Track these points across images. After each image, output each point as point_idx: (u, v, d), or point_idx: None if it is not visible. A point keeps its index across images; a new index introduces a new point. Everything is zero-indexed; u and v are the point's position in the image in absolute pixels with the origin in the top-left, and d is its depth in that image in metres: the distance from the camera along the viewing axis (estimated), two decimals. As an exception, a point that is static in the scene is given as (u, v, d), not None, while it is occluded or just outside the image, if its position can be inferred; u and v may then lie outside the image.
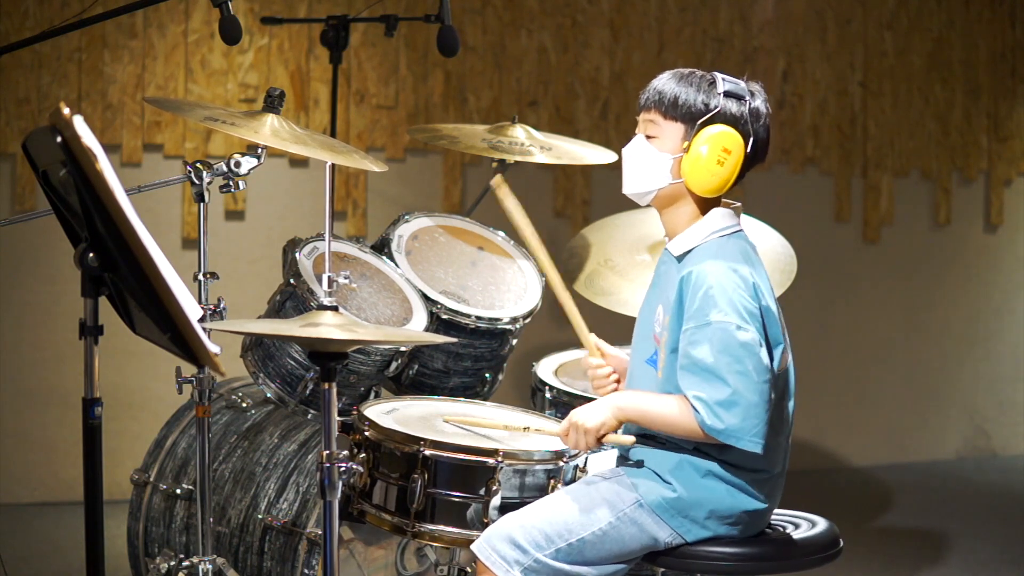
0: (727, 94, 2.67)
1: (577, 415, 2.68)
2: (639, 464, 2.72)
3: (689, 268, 2.64)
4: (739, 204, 2.77)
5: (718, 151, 2.65)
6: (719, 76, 2.70)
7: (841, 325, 6.27)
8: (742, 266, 2.63)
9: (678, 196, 2.72)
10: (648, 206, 2.80)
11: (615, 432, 2.69)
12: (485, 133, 3.88)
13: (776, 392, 2.66)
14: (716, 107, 2.66)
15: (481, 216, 3.88)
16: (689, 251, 2.70)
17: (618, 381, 2.90)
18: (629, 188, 2.76)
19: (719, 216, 2.71)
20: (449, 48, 3.88)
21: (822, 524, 2.85)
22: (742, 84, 2.71)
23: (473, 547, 2.65)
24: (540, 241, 2.98)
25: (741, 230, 2.74)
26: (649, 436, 2.72)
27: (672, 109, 2.68)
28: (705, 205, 2.72)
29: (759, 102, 2.71)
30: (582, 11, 5.74)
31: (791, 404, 2.73)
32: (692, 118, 2.67)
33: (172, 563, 3.23)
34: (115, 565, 3.73)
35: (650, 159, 2.71)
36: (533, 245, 2.99)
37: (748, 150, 2.68)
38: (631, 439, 2.71)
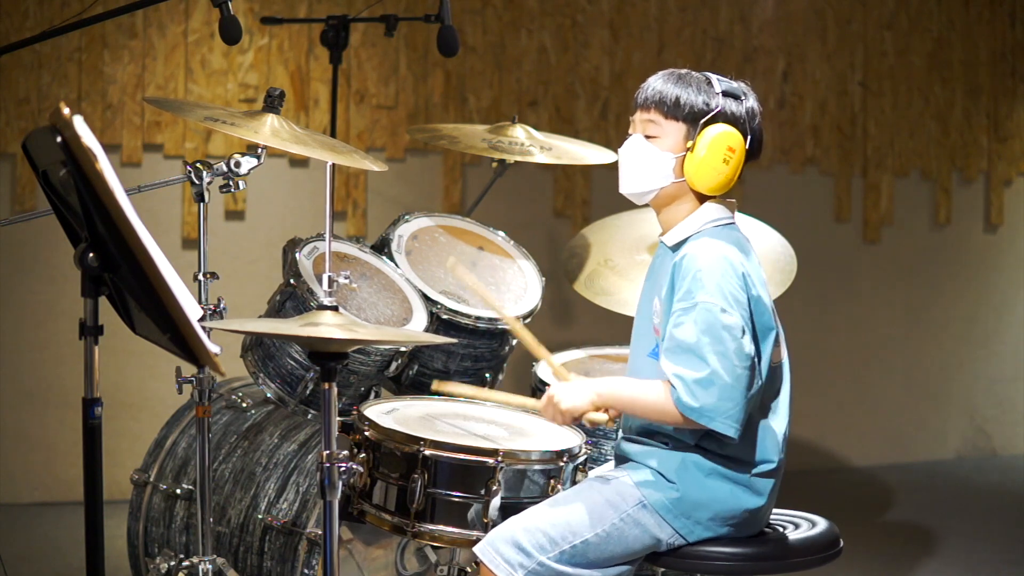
0: (725, 93, 2.69)
1: (556, 391, 2.70)
2: (641, 464, 2.72)
3: (682, 254, 2.66)
4: (733, 200, 2.78)
5: (723, 150, 2.66)
6: (713, 76, 2.73)
7: (841, 325, 6.27)
8: (733, 254, 2.65)
9: (679, 195, 2.73)
10: (645, 205, 2.81)
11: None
12: (485, 133, 3.88)
13: (774, 384, 2.67)
14: (717, 107, 2.68)
15: (481, 216, 3.88)
16: (683, 241, 2.71)
17: None
18: (629, 188, 2.76)
19: (713, 208, 2.73)
20: (449, 48, 3.88)
21: (822, 524, 2.85)
22: (735, 84, 2.73)
23: (476, 550, 2.65)
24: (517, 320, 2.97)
25: (734, 223, 2.75)
26: (652, 434, 2.72)
27: (674, 109, 2.69)
28: (703, 201, 2.74)
29: (753, 101, 2.74)
30: (582, 11, 5.74)
31: (787, 397, 2.74)
32: (695, 118, 2.68)
33: (172, 563, 3.23)
34: (115, 565, 3.73)
35: (651, 159, 2.71)
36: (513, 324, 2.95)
37: (747, 148, 2.69)
38: (605, 417, 2.71)
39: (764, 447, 2.68)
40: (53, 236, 3.04)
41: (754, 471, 2.68)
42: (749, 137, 2.70)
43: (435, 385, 2.89)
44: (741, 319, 2.59)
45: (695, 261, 2.62)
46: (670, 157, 2.70)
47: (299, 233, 3.46)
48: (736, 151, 2.67)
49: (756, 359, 2.62)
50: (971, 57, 6.49)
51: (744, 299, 2.61)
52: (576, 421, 2.72)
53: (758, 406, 2.67)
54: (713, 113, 2.68)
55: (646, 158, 2.72)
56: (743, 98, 2.71)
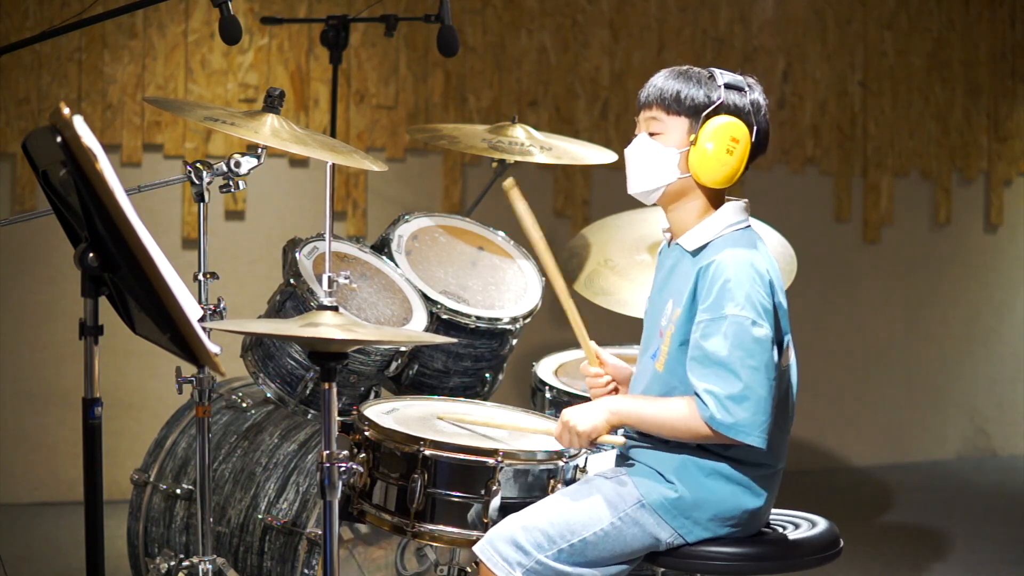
0: (728, 86, 2.68)
1: (570, 416, 2.69)
2: (641, 464, 2.72)
3: (708, 260, 2.64)
4: (747, 200, 2.77)
5: (727, 141, 2.65)
6: (716, 71, 2.71)
7: (841, 325, 6.27)
8: (760, 261, 2.63)
9: (686, 191, 2.72)
10: (654, 204, 2.79)
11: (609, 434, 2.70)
12: (485, 133, 3.88)
13: (781, 387, 2.67)
14: (719, 99, 2.67)
15: (481, 216, 3.88)
16: (705, 245, 2.69)
17: (616, 390, 2.89)
18: (636, 187, 2.75)
19: (732, 210, 2.72)
20: (449, 48, 3.88)
21: (822, 524, 2.85)
22: (739, 77, 2.72)
23: (475, 548, 2.65)
24: (547, 246, 2.94)
25: (750, 225, 2.75)
26: (651, 435, 2.72)
27: (675, 104, 2.68)
28: (714, 199, 2.72)
29: (757, 94, 2.72)
30: (582, 11, 5.74)
31: (793, 401, 2.73)
32: (696, 111, 2.67)
33: (172, 563, 3.23)
34: (115, 565, 3.73)
35: (656, 156, 2.70)
36: (541, 249, 2.93)
37: (752, 140, 2.68)
38: (623, 440, 2.71)
39: (770, 450, 2.67)
40: (53, 236, 3.04)
41: (754, 473, 2.67)
42: (755, 129, 2.69)
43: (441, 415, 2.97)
44: (770, 329, 2.58)
45: (723, 270, 2.60)
46: (674, 152, 2.69)
47: (299, 233, 3.46)
48: (740, 141, 2.66)
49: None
50: (971, 57, 6.49)
51: (771, 307, 2.61)
52: (594, 444, 2.70)
53: None
54: (715, 105, 2.67)
55: (651, 156, 2.70)
56: (747, 91, 2.70)
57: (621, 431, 2.74)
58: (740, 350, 2.55)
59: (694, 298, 2.63)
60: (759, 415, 2.54)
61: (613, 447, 2.81)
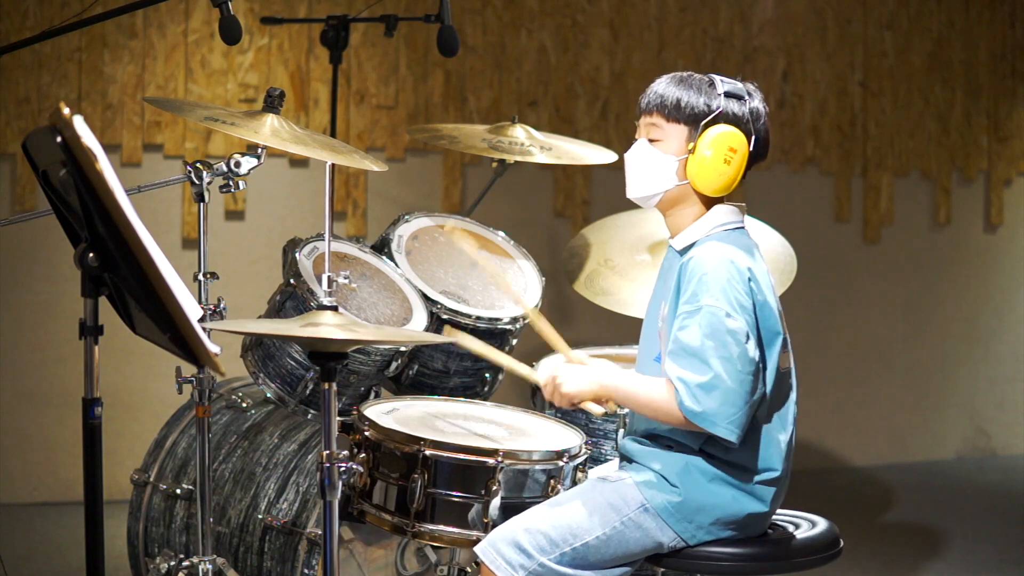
0: (727, 94, 2.70)
1: (561, 373, 2.73)
2: (644, 467, 2.72)
3: (688, 257, 2.67)
4: (743, 204, 2.78)
5: (724, 151, 2.66)
6: (717, 78, 2.72)
7: (841, 325, 6.27)
8: (740, 258, 2.64)
9: (684, 197, 2.73)
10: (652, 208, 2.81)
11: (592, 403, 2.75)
12: (485, 133, 3.88)
13: (778, 391, 2.67)
14: (718, 108, 2.68)
15: (481, 216, 3.88)
16: (692, 245, 2.71)
17: None
18: (634, 192, 2.77)
19: (722, 212, 2.73)
20: (449, 48, 3.88)
21: (822, 524, 2.85)
22: (740, 84, 2.73)
23: (477, 550, 2.65)
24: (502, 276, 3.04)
25: (743, 227, 2.75)
26: (655, 436, 2.73)
27: (675, 112, 2.70)
28: (710, 204, 2.74)
29: (757, 102, 2.73)
30: (582, 11, 5.74)
31: (793, 405, 2.73)
32: (696, 119, 2.68)
33: (172, 563, 3.23)
34: (115, 565, 3.73)
35: (655, 162, 2.72)
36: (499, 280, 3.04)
37: (751, 148, 2.69)
38: (602, 411, 2.75)
39: (768, 455, 2.68)
40: (53, 236, 3.04)
41: (757, 479, 2.67)
42: (753, 138, 2.70)
43: (446, 330, 3.02)
44: (745, 324, 2.59)
45: (701, 264, 2.63)
46: (673, 160, 2.71)
47: (299, 233, 3.46)
48: (738, 151, 2.67)
49: (761, 365, 2.62)
50: (971, 57, 6.49)
51: (749, 304, 2.61)
52: (574, 407, 2.73)
53: (764, 413, 2.67)
54: (714, 114, 2.68)
55: (650, 162, 2.72)
56: (747, 99, 2.71)
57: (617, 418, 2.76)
58: (712, 340, 2.56)
59: (678, 295, 2.65)
60: (727, 406, 2.55)
61: (594, 417, 2.83)
